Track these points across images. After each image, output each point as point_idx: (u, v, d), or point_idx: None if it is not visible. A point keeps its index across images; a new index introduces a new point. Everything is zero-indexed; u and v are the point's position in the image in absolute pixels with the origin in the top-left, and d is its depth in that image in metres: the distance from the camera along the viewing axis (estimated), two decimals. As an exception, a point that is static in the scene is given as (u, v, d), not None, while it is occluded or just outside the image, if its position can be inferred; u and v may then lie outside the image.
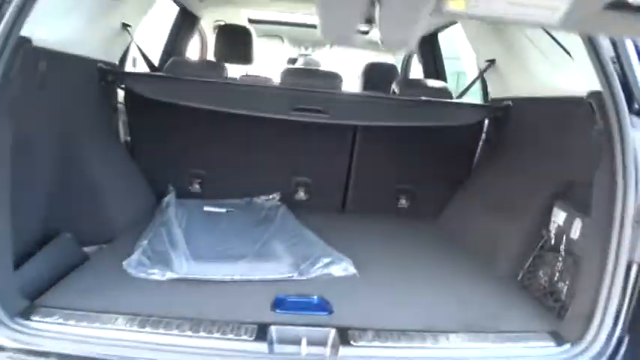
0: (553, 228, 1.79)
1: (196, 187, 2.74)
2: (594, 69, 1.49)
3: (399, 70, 4.47)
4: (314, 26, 4.52)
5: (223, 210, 2.51)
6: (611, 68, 1.46)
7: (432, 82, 2.80)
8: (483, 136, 2.75)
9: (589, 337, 1.36)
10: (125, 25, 2.47)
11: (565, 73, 1.94)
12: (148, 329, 1.32)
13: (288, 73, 2.59)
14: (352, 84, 3.84)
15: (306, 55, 5.12)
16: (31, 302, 1.41)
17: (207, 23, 4.29)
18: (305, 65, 5.23)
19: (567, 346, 1.39)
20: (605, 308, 1.36)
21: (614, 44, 1.50)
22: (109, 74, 2.33)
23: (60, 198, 1.89)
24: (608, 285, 1.36)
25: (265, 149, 2.71)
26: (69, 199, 1.95)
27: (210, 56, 3.95)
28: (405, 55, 4.59)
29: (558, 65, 2.00)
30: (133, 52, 2.95)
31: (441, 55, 3.92)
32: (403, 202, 2.86)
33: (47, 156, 1.82)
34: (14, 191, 1.41)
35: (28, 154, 1.61)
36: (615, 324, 1.36)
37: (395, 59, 4.75)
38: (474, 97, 3.10)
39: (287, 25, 4.55)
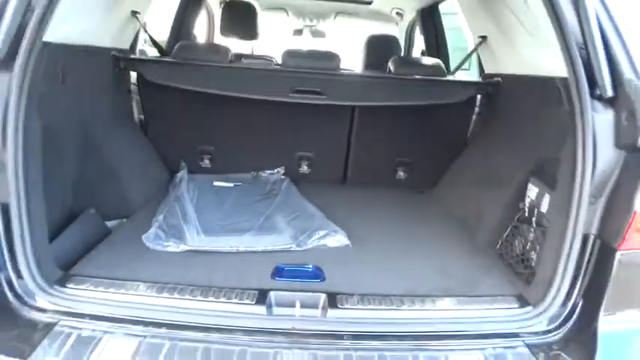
0: (527, 202, 1.96)
1: (206, 162, 2.95)
2: (562, 55, 1.62)
3: (402, 42, 4.55)
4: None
5: (231, 184, 2.72)
6: (577, 55, 1.57)
7: (426, 60, 2.92)
8: (477, 109, 2.89)
9: (548, 300, 1.55)
10: (134, 12, 2.62)
11: (547, 53, 2.05)
12: (165, 295, 1.55)
13: (289, 55, 2.74)
14: (355, 57, 3.95)
15: (311, 26, 5.19)
16: (65, 272, 1.65)
17: (214, 1, 4.39)
18: (311, 35, 5.33)
19: (529, 308, 1.59)
20: (563, 276, 1.54)
21: (582, 31, 1.61)
22: (122, 61, 2.51)
23: (84, 178, 2.11)
24: (566, 255, 1.54)
25: (269, 126, 2.89)
26: (92, 179, 2.17)
27: (218, 33, 4.10)
28: (407, 26, 4.65)
29: (542, 45, 2.10)
30: (143, 35, 3.12)
31: (442, 28, 3.99)
32: (401, 174, 3.04)
33: (71, 141, 2.03)
34: (45, 174, 1.62)
35: (54, 142, 1.81)
36: (571, 290, 1.55)
37: (399, 30, 4.81)
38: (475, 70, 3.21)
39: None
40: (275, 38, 4.86)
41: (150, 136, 2.81)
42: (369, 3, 4.56)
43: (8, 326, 1.45)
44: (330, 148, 2.96)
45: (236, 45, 4.22)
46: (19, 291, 1.49)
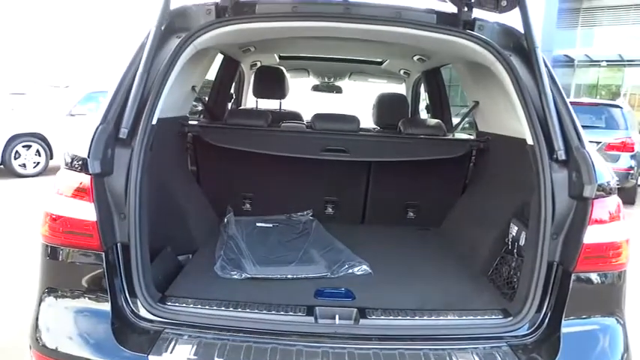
0: (510, 237, 2.51)
1: (247, 206, 3.54)
2: (527, 125, 2.18)
3: (409, 97, 5.21)
4: (336, 60, 5.29)
5: (270, 225, 3.30)
6: (539, 128, 2.12)
7: (430, 121, 3.55)
8: (472, 161, 3.47)
9: (524, 312, 2.05)
10: (194, 87, 3.28)
11: (520, 122, 2.64)
12: (239, 309, 2.07)
13: (317, 119, 3.37)
14: (367, 111, 4.60)
15: (327, 82, 5.90)
16: (163, 294, 2.20)
17: (246, 64, 5.10)
18: (328, 88, 6.03)
19: (511, 318, 2.09)
20: (535, 294, 2.04)
21: (542, 108, 2.13)
22: (185, 126, 3.14)
23: (161, 221, 2.69)
24: (536, 278, 2.05)
25: (300, 175, 3.50)
26: (165, 222, 2.75)
27: (250, 92, 4.79)
28: (413, 83, 5.32)
29: (516, 114, 2.69)
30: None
31: (444, 87, 4.64)
32: (411, 214, 3.61)
33: (152, 193, 2.62)
34: None
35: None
36: (541, 304, 2.03)
37: (405, 87, 5.48)
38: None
39: (312, 60, 5.32)
40: (298, 94, 5.55)
41: (202, 185, 3.41)
42: (380, 64, 5.26)
43: (129, 333, 1.98)
44: (351, 193, 3.55)
45: (267, 103, 4.92)
46: (134, 307, 2.03)
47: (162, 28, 2.24)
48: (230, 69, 4.62)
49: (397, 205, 3.59)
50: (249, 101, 5.30)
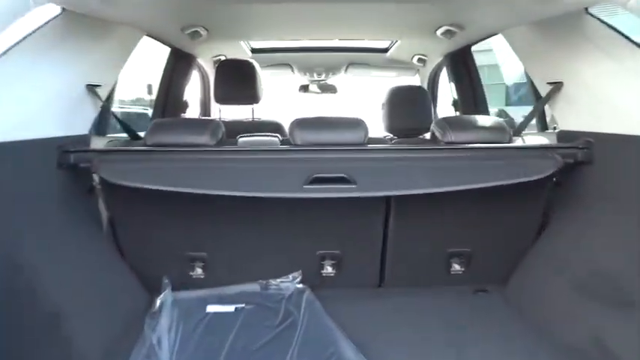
0: None
1: (198, 272, 2.21)
2: None
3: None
4: (327, 49, 4.00)
5: (232, 308, 1.97)
6: None
7: (484, 120, 2.21)
8: (554, 179, 2.16)
9: None
10: (92, 87, 1.99)
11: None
12: None
13: (299, 127, 2.05)
14: (375, 114, 3.27)
15: (319, 80, 4.59)
16: None
17: (206, 60, 3.82)
18: (319, 90, 4.70)
19: None
20: None
21: None
22: (72, 154, 1.84)
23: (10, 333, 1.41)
24: None
25: (281, 220, 2.18)
26: (21, 335, 1.46)
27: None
28: (430, 74, 4.02)
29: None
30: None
31: (477, 74, 3.36)
32: (457, 268, 2.29)
33: None
34: None
35: None
36: None
37: (420, 79, 4.19)
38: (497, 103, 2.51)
39: (296, 52, 4.03)
40: (279, 100, 4.26)
41: (121, 246, 2.10)
42: (384, 51, 3.96)
43: None
44: (361, 242, 2.22)
45: (234, 112, 3.62)
46: None
47: None
48: (181, 67, 3.35)
49: (435, 254, 2.27)
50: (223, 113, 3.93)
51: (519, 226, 2.18)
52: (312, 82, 4.57)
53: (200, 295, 2.07)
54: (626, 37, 1.76)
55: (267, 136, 2.15)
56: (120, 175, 1.84)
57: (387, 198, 2.07)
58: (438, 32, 2.85)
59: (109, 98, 2.41)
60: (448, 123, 2.12)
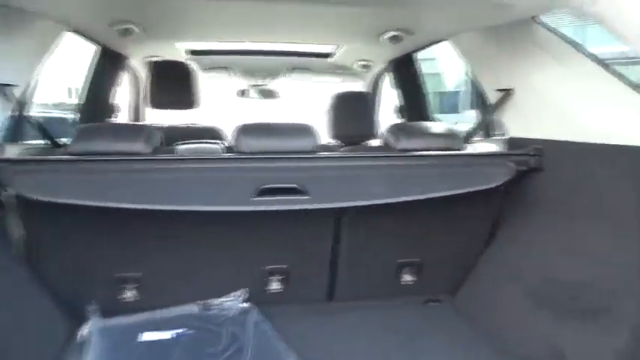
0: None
1: (129, 295, 1.99)
2: None
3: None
4: (269, 53, 3.85)
5: (168, 335, 1.77)
6: None
7: (437, 127, 2.15)
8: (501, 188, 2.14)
9: None
10: (3, 86, 1.73)
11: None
12: None
13: (244, 133, 1.89)
14: (319, 120, 3.16)
15: (259, 85, 4.42)
16: None
17: (139, 60, 3.55)
18: (259, 95, 4.54)
19: None
20: None
21: None
22: None
23: None
24: None
25: (224, 234, 2.00)
26: None
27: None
28: (371, 79, 3.98)
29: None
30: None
31: (421, 81, 3.34)
32: (408, 279, 2.22)
33: None
34: None
35: None
36: None
37: (365, 86, 4.14)
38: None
39: (236, 55, 3.85)
40: (217, 106, 4.05)
41: (38, 270, 1.84)
42: (327, 56, 3.87)
43: None
44: (310, 255, 2.10)
45: (170, 117, 3.38)
46: None
47: None
48: (111, 67, 3.08)
49: (385, 265, 2.18)
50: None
51: (470, 234, 2.15)
52: (252, 86, 4.40)
53: (132, 322, 1.85)
54: (574, 45, 1.77)
55: (209, 143, 1.97)
56: (39, 188, 1.60)
57: (339, 208, 1.96)
58: (384, 37, 2.79)
59: (25, 100, 2.13)
60: (401, 130, 2.04)
